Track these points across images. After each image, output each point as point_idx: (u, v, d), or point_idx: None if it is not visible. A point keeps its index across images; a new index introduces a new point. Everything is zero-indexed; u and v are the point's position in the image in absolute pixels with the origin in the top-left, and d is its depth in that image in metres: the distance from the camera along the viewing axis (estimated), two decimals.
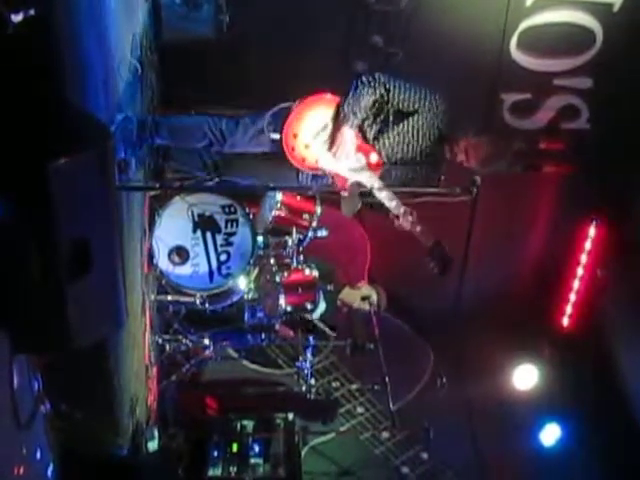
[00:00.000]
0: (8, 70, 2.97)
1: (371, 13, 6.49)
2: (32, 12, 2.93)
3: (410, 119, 4.79)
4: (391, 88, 4.72)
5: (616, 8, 6.83)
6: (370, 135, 4.89)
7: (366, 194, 4.77)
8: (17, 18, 2.87)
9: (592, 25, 6.95)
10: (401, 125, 4.82)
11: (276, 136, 4.88)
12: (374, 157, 4.87)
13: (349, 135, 4.77)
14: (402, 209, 4.74)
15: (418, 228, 4.77)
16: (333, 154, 4.82)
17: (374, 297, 6.30)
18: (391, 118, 4.82)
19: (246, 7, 5.99)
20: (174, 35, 5.89)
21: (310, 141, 4.88)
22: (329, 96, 4.95)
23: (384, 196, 4.76)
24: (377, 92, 4.71)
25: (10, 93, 2.96)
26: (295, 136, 4.87)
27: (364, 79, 4.72)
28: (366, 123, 4.87)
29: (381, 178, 4.86)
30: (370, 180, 4.82)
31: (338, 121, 4.80)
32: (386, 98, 4.75)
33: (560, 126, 7.55)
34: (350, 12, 6.42)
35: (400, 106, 4.78)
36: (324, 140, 4.88)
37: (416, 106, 4.75)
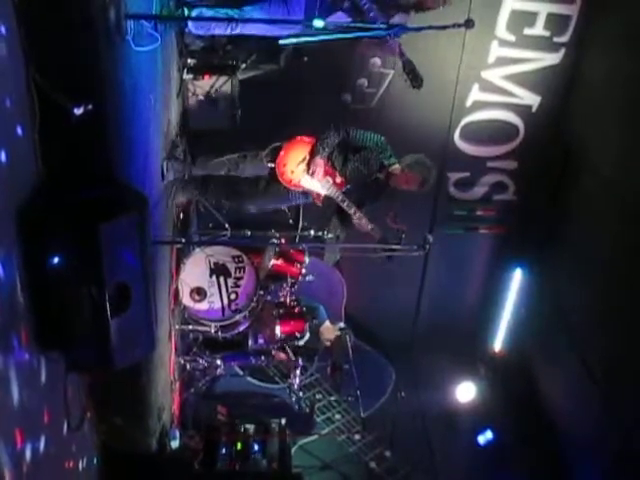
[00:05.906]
0: (70, 154, 3.00)
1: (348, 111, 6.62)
2: (90, 106, 2.95)
3: (362, 153, 5.20)
4: (350, 132, 5.13)
5: (534, 109, 7.02)
6: (337, 164, 5.22)
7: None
8: (79, 111, 2.90)
9: (516, 121, 7.11)
10: (357, 156, 5.20)
11: (271, 165, 5.24)
12: (338, 179, 5.22)
13: (320, 163, 5.11)
14: (358, 214, 5.16)
15: (369, 227, 5.14)
16: (310, 176, 5.15)
17: (347, 331, 6.31)
18: (351, 152, 5.22)
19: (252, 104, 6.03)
20: (198, 125, 5.94)
21: (294, 168, 5.21)
22: (306, 138, 5.29)
23: (345, 205, 5.18)
24: (340, 134, 5.12)
25: (71, 172, 2.99)
26: (284, 165, 5.22)
27: (332, 126, 5.13)
28: (334, 155, 5.21)
29: (346, 196, 5.23)
30: (335, 194, 5.20)
31: (312, 154, 5.16)
32: (347, 139, 5.16)
33: (492, 197, 7.65)
34: (333, 111, 6.48)
35: (355, 145, 5.19)
36: (304, 168, 5.18)
37: (366, 145, 5.16)
